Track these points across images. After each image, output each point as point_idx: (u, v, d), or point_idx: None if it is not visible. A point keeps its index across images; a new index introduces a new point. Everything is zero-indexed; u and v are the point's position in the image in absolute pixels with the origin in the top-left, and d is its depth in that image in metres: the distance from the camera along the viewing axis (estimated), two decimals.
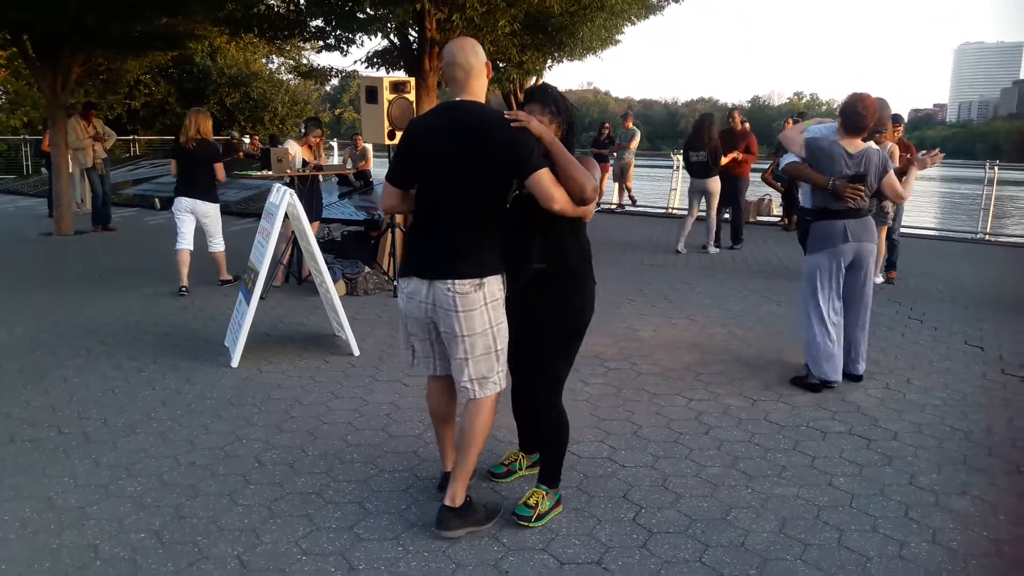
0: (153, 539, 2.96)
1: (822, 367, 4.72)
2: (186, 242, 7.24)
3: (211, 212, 7.35)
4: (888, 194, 4.78)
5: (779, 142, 5.45)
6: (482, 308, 2.86)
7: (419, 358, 3.13)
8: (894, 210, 7.50)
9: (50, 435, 3.93)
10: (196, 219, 7.32)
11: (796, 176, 4.84)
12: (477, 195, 2.85)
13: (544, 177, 2.77)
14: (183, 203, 7.24)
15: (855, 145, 4.58)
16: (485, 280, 2.86)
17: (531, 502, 3.11)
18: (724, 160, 9.83)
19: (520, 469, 3.50)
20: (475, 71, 2.89)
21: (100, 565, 2.78)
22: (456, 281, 2.83)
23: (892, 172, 4.73)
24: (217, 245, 7.52)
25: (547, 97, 2.99)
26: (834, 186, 4.50)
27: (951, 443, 4.00)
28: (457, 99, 2.92)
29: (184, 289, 7.13)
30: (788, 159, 4.84)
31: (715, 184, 9.68)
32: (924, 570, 2.84)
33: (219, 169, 7.28)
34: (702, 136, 9.58)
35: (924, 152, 4.93)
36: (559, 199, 2.78)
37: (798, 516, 3.21)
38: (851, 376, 4.86)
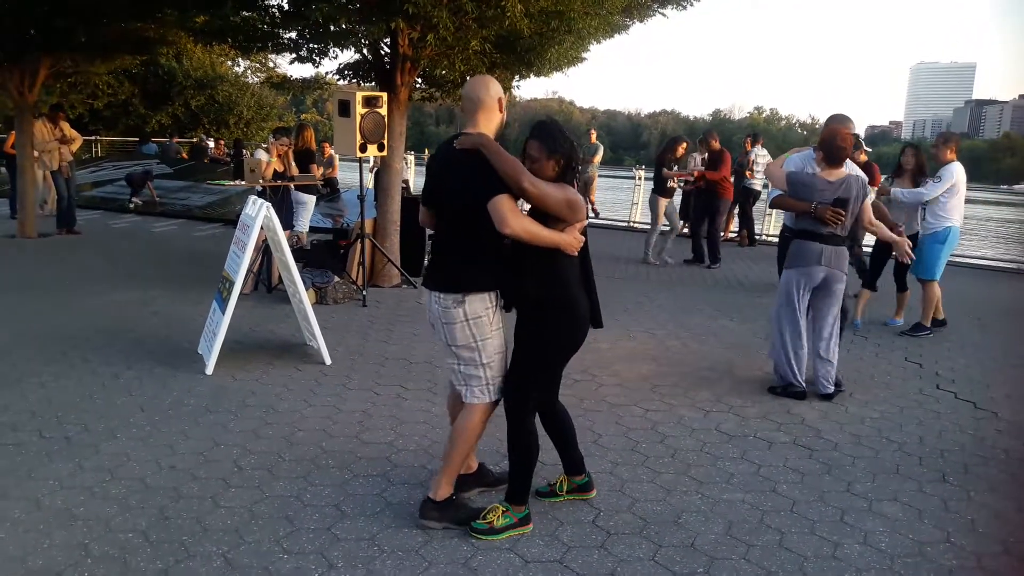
0: (140, 539, 3.13)
1: (787, 373, 5.19)
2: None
3: (302, 200, 8.77)
4: (862, 220, 5.10)
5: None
6: (462, 324, 3.11)
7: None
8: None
9: (32, 439, 4.06)
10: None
11: (784, 208, 5.28)
12: (460, 219, 3.11)
13: (500, 202, 2.95)
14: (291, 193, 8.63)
15: (835, 174, 4.98)
16: (466, 298, 3.08)
17: (487, 516, 3.26)
18: (670, 175, 10.27)
19: (562, 492, 3.58)
20: (484, 106, 3.16)
21: (91, 563, 2.95)
22: (440, 294, 3.12)
23: (869, 200, 5.10)
24: (299, 226, 8.85)
25: (544, 134, 3.11)
26: (816, 210, 4.89)
27: (886, 453, 4.32)
28: (461, 131, 3.18)
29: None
30: (774, 193, 5.31)
31: (653, 201, 10.39)
32: (855, 568, 3.13)
33: (312, 168, 8.75)
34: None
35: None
36: (511, 224, 2.94)
37: (743, 519, 3.49)
38: (819, 395, 5.15)
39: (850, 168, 5.17)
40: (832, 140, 4.97)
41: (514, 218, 2.96)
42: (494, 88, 3.19)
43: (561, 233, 3.08)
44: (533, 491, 3.50)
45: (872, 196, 5.44)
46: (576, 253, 3.17)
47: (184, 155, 20.04)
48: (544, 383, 3.31)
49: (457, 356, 3.18)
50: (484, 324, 3.13)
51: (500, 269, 3.15)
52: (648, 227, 11.26)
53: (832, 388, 5.15)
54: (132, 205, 14.73)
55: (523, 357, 3.21)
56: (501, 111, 3.21)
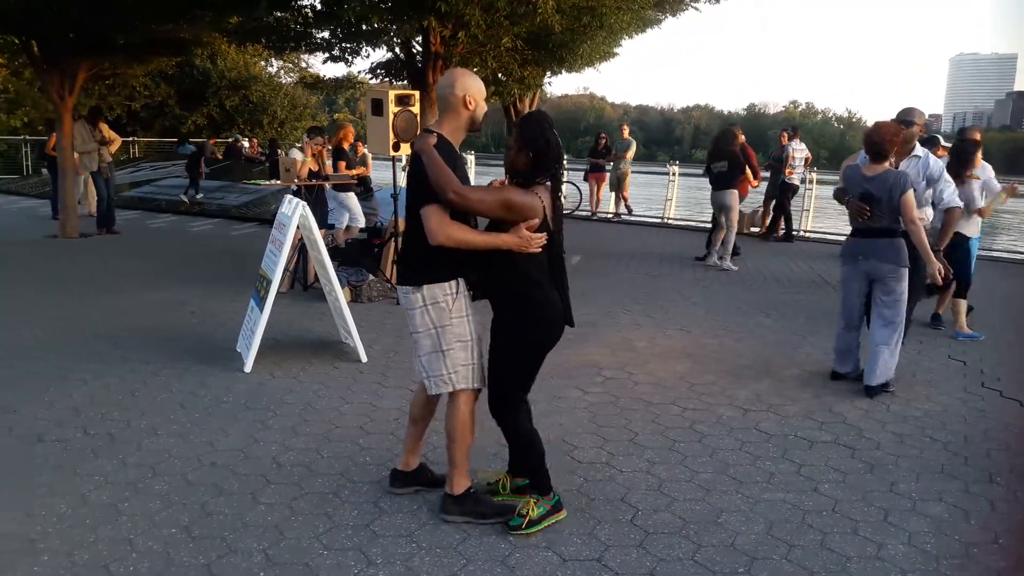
0: (183, 534, 3.17)
1: (834, 359, 5.45)
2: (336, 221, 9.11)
3: (340, 198, 8.86)
4: (904, 216, 4.82)
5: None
6: (422, 309, 3.14)
7: None
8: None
9: (77, 435, 4.14)
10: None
11: (836, 200, 5.31)
12: (416, 215, 3.07)
13: (428, 212, 2.98)
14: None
15: (874, 168, 4.93)
16: (423, 286, 3.11)
17: (522, 511, 3.26)
18: (752, 177, 10.04)
19: (504, 491, 3.53)
20: (447, 103, 3.11)
21: (136, 557, 2.99)
22: (402, 286, 3.19)
23: (910, 193, 4.80)
24: (355, 223, 9.12)
25: (523, 125, 3.13)
26: (846, 203, 5.04)
27: (930, 453, 4.23)
28: (426, 127, 3.21)
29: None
30: (839, 186, 5.34)
31: (731, 198, 9.73)
32: (899, 570, 3.07)
33: (340, 166, 8.88)
34: (722, 147, 9.75)
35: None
36: (437, 237, 2.97)
37: (785, 519, 3.44)
38: (864, 387, 5.08)
39: (924, 163, 5.29)
40: (870, 134, 4.93)
41: (440, 229, 2.97)
42: (461, 84, 3.08)
43: (502, 235, 3.03)
44: (480, 485, 3.50)
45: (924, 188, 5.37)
46: (529, 250, 3.04)
47: (219, 155, 20.30)
48: (517, 380, 3.26)
49: (416, 343, 3.21)
50: (443, 310, 3.13)
51: (460, 261, 3.11)
52: (723, 227, 10.08)
53: (875, 381, 5.03)
54: (188, 200, 14.91)
55: (495, 355, 3.21)
56: (468, 108, 3.11)
